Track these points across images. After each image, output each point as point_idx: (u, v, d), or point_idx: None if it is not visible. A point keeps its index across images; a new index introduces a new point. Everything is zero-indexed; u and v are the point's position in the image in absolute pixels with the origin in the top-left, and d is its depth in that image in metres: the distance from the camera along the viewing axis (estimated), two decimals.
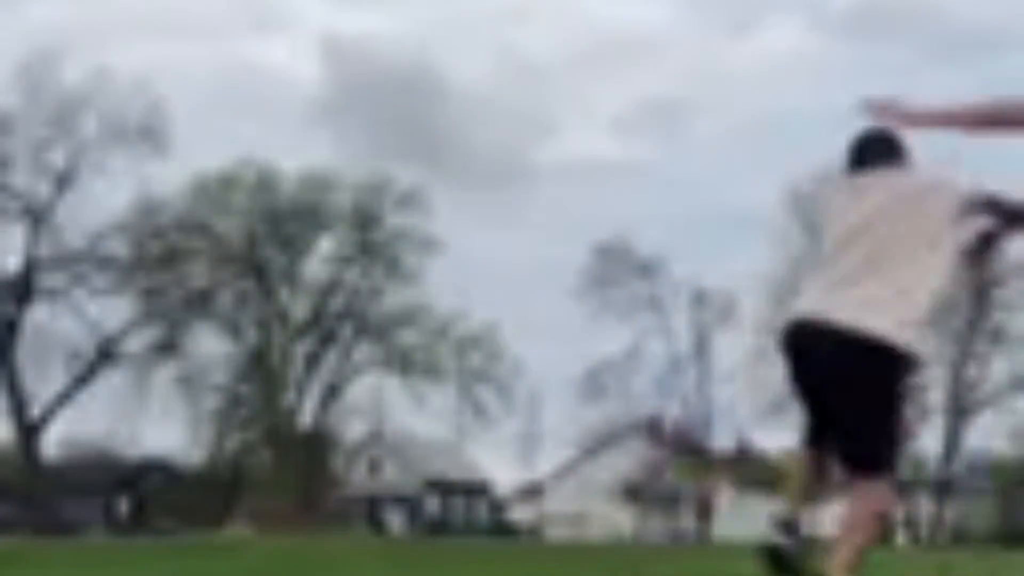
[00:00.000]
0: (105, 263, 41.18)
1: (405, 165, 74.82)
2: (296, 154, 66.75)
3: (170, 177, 47.10)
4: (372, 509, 54.34)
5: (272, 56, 71.22)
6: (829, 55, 67.49)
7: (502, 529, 54.41)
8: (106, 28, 65.21)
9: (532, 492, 59.41)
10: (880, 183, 4.81)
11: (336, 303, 46.20)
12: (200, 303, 42.85)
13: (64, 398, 40.94)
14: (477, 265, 59.62)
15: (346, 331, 46.24)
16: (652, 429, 50.32)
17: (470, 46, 73.17)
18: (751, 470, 55.44)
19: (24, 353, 40.05)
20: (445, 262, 45.96)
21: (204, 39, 68.79)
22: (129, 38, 66.99)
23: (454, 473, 59.94)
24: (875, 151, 4.91)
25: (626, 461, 50.67)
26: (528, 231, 69.52)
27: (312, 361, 45.59)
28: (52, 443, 45.70)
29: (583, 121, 71.23)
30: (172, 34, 68.25)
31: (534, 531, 53.43)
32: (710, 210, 69.12)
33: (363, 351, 46.56)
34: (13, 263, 40.19)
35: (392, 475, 58.30)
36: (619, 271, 47.19)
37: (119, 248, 41.30)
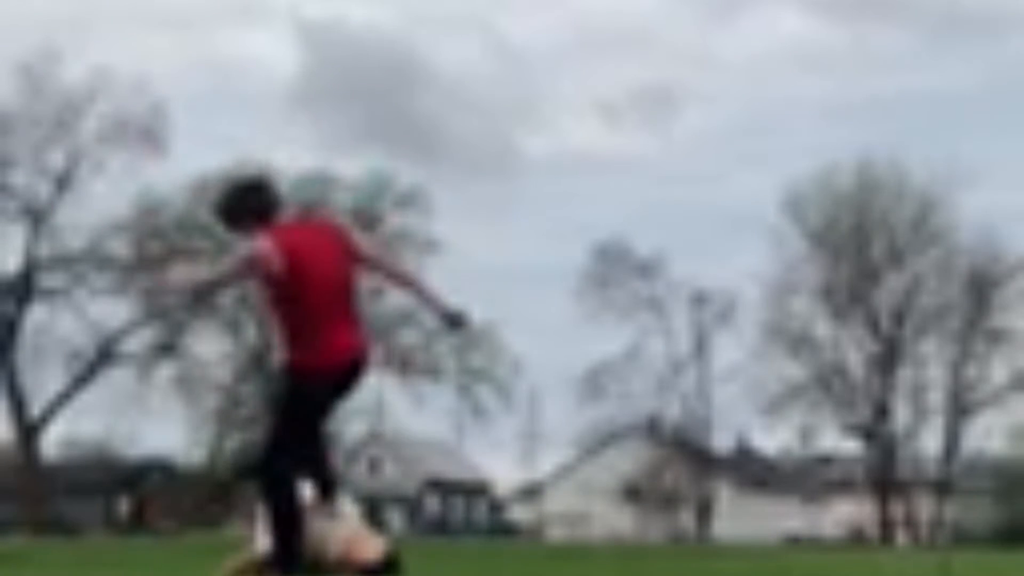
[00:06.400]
0: (105, 263, 41.17)
1: (387, 152, 74.71)
2: (283, 147, 66.88)
3: (170, 177, 47.08)
4: (372, 509, 54.32)
5: (257, 47, 71.19)
6: (827, 40, 67.35)
7: (502, 529, 54.43)
8: (95, 21, 65.29)
9: (532, 492, 59.42)
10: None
11: None
12: (200, 303, 42.81)
13: (64, 398, 40.93)
14: (476, 264, 59.62)
15: None
16: (652, 429, 50.35)
17: (457, 35, 73.17)
18: (751, 470, 55.42)
19: (24, 353, 40.08)
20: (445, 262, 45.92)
21: (183, 30, 68.84)
22: (109, 30, 66.92)
23: (454, 473, 59.92)
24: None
25: (626, 461, 50.65)
26: (524, 228, 69.44)
27: None
28: (52, 443, 45.76)
29: (575, 113, 71.20)
30: (151, 26, 68.18)
31: (534, 531, 53.44)
32: (707, 206, 69.16)
33: None
34: (13, 263, 40.23)
35: (392, 475, 58.32)
36: (618, 271, 47.25)
37: (119, 248, 41.30)
